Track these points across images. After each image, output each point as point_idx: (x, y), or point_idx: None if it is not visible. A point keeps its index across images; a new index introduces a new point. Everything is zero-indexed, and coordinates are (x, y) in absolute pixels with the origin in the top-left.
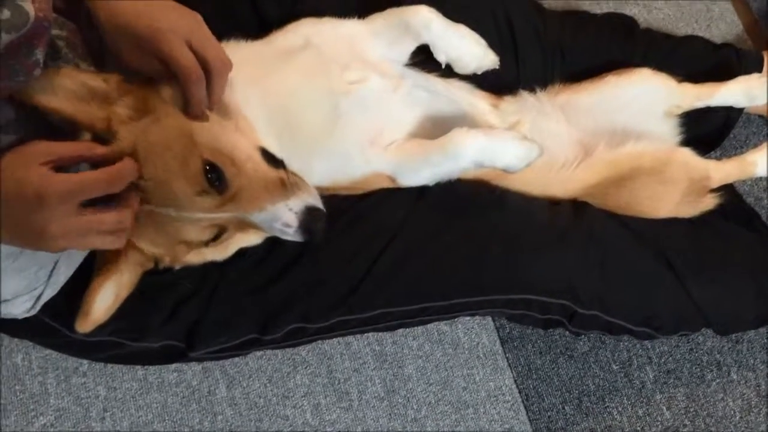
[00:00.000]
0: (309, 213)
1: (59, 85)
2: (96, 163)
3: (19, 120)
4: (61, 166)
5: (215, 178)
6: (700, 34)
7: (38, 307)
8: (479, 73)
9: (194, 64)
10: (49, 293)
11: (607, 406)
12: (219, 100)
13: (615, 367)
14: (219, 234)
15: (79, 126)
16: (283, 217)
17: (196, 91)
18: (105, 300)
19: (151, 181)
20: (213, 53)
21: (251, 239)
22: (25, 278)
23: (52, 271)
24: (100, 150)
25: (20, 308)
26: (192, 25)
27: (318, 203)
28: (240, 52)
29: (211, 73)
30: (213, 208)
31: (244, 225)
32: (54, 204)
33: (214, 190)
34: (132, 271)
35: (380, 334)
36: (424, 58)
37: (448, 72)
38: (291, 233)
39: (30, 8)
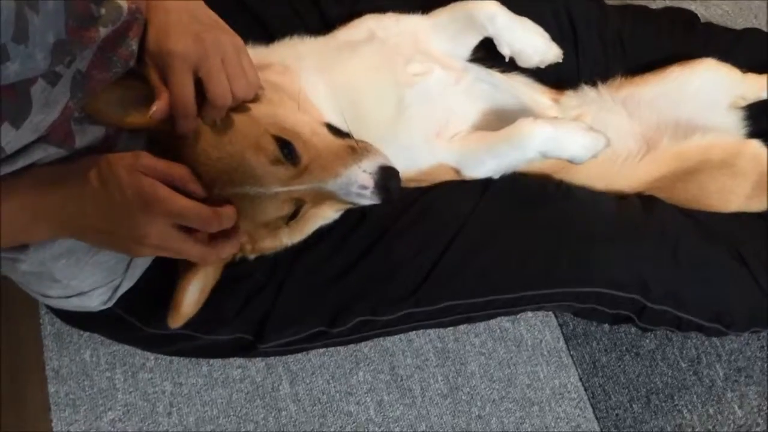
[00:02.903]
0: (383, 172)
1: (129, 98)
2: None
3: None
4: None
5: (287, 152)
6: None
7: (114, 299)
8: (542, 66)
9: (188, 99)
10: (127, 285)
11: (677, 405)
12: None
13: (683, 365)
14: (297, 210)
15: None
16: (359, 180)
17: (183, 123)
18: (193, 295)
19: (227, 158)
20: (216, 89)
21: (327, 215)
22: (104, 270)
23: (129, 263)
24: (191, 186)
25: (97, 300)
26: (209, 52)
27: (390, 162)
28: (304, 46)
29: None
30: (289, 180)
31: (321, 197)
32: (156, 215)
33: (288, 162)
34: (215, 264)
35: (442, 331)
36: (484, 55)
37: (508, 67)
38: (368, 194)
39: (123, 2)
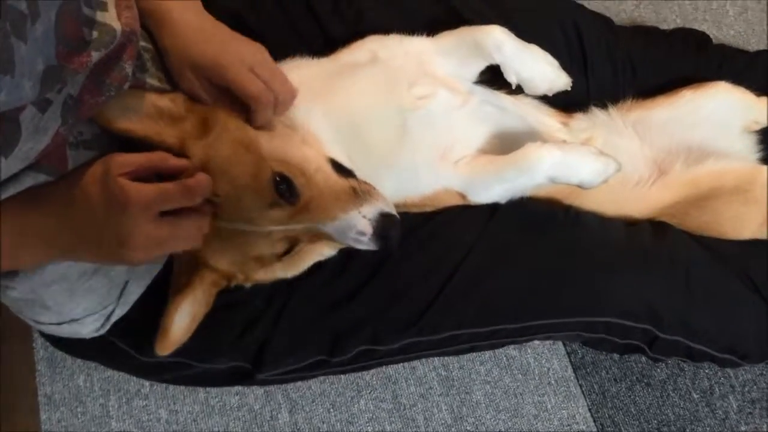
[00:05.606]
0: (383, 219)
1: (131, 106)
2: (167, 177)
3: (103, 135)
4: (137, 178)
5: (285, 189)
6: None
7: (107, 326)
8: (550, 94)
9: (264, 91)
10: (120, 312)
11: None
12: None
13: (696, 396)
14: (291, 247)
15: (153, 145)
16: (357, 225)
17: (265, 114)
18: (182, 321)
19: (223, 197)
20: (279, 84)
21: (324, 252)
22: (97, 297)
23: (122, 290)
24: (173, 161)
25: (89, 327)
26: (256, 54)
27: (392, 210)
28: (307, 69)
29: (277, 102)
30: (285, 220)
31: (318, 236)
32: (136, 213)
33: (285, 202)
34: (207, 291)
35: (446, 358)
36: (491, 77)
37: (516, 89)
38: (366, 241)
39: (116, 24)
